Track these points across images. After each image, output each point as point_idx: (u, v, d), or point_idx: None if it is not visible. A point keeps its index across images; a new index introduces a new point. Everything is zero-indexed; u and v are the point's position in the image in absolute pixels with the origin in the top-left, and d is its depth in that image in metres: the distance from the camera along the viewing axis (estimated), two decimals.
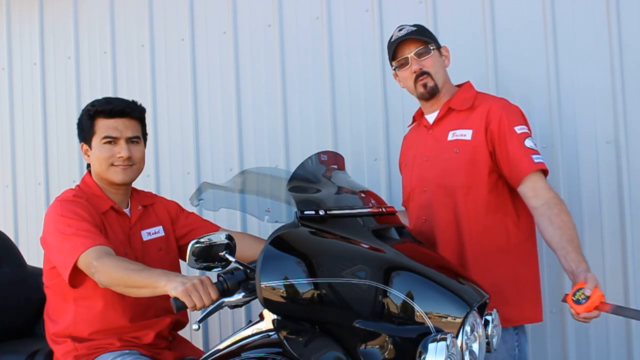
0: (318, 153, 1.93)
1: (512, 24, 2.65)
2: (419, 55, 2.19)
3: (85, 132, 2.13)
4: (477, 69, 2.64)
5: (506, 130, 2.09)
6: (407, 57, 2.20)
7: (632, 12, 2.47)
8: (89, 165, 2.19)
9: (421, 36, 2.20)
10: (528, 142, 2.08)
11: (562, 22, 2.57)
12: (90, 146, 2.13)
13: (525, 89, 2.61)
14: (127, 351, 2.02)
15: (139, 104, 2.18)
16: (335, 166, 2.01)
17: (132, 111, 2.14)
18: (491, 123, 2.11)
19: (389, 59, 2.28)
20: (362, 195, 1.93)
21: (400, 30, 2.23)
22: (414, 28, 2.21)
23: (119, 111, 2.10)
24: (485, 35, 2.68)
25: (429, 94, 2.23)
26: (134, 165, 2.14)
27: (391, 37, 2.25)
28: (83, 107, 2.19)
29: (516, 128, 2.09)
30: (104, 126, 2.09)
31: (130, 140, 2.12)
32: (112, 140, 2.09)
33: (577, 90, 2.55)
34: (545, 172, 2.10)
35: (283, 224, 1.70)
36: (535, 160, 2.06)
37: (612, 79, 2.49)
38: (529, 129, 2.14)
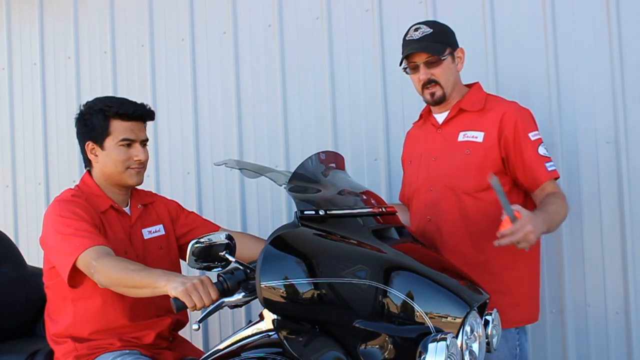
0: (318, 153, 1.92)
1: (512, 24, 2.65)
2: (429, 64, 2.17)
3: (97, 131, 2.10)
4: (477, 68, 2.63)
5: (521, 137, 2.11)
6: (418, 64, 2.19)
7: (632, 12, 2.47)
8: (87, 165, 2.18)
9: (435, 43, 2.16)
10: (541, 150, 2.12)
11: (562, 22, 2.57)
12: (101, 146, 2.11)
13: (525, 89, 2.61)
14: (127, 351, 2.02)
15: (150, 107, 2.18)
16: (335, 166, 2.01)
17: (147, 116, 2.16)
18: (505, 129, 2.12)
19: (401, 58, 2.24)
20: (362, 195, 1.92)
21: (416, 30, 2.19)
22: (430, 30, 2.17)
23: (139, 115, 2.12)
24: (485, 35, 2.68)
25: (435, 103, 2.23)
26: (144, 167, 2.16)
27: (406, 34, 2.22)
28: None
29: (530, 135, 2.11)
30: (121, 128, 2.09)
31: (143, 143, 2.14)
32: (129, 143, 2.10)
33: (577, 91, 2.55)
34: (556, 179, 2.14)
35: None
36: (549, 169, 2.11)
37: (612, 79, 2.49)
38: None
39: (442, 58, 2.16)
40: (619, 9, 2.48)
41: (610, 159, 2.50)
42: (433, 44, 2.16)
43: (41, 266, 2.18)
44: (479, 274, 1.99)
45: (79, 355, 2.01)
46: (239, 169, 2.28)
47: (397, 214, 2.00)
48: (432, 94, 2.20)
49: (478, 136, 2.14)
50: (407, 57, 2.21)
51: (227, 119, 3.20)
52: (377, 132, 2.89)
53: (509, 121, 2.12)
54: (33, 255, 2.93)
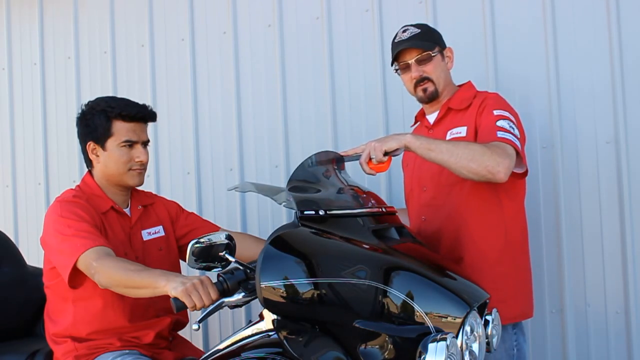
0: (318, 153, 1.93)
1: (512, 24, 2.65)
2: (420, 62, 2.19)
3: (99, 132, 2.10)
4: (477, 69, 2.64)
5: (485, 111, 2.10)
6: (408, 63, 2.21)
7: (632, 12, 2.47)
8: (88, 165, 2.18)
9: (424, 41, 2.18)
10: (501, 123, 2.04)
11: (562, 22, 2.57)
12: (103, 147, 2.11)
13: (525, 89, 2.61)
14: (127, 351, 2.02)
15: (152, 108, 2.18)
16: (336, 166, 2.01)
17: (149, 117, 2.16)
18: (479, 108, 2.13)
19: (392, 59, 2.27)
20: (362, 195, 1.93)
21: (404, 31, 2.22)
22: (418, 30, 2.20)
23: (141, 117, 2.12)
24: (485, 35, 2.68)
25: (429, 99, 2.24)
26: (145, 168, 2.16)
27: (395, 37, 2.25)
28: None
29: (495, 111, 2.08)
30: (123, 129, 2.09)
31: (145, 145, 2.14)
32: (131, 144, 2.10)
33: (577, 90, 2.55)
34: (517, 150, 2.00)
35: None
36: (498, 135, 2.00)
37: (612, 79, 2.49)
38: (517, 124, 2.09)
39: (432, 55, 2.19)
40: (619, 9, 2.48)
41: (610, 159, 2.50)
42: (422, 41, 2.19)
43: (41, 266, 2.18)
44: (472, 272, 1.99)
45: (79, 355, 2.01)
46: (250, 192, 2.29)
47: (397, 214, 2.00)
48: (425, 90, 2.22)
49: (462, 131, 2.15)
50: (397, 57, 2.22)
51: (227, 119, 3.20)
52: (377, 132, 2.88)
53: (483, 103, 2.13)
54: (33, 255, 2.93)
